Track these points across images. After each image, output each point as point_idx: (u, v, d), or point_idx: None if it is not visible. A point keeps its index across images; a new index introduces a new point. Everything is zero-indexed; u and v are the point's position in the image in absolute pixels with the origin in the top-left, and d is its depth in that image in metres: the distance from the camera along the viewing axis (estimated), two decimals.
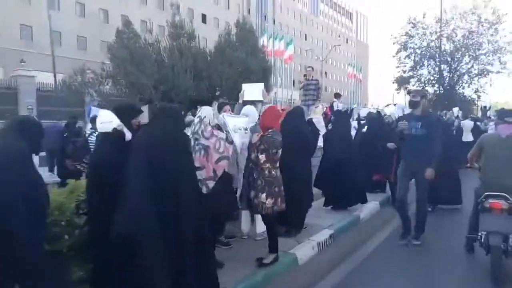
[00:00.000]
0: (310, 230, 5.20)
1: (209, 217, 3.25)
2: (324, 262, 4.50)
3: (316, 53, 56.11)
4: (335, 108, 10.54)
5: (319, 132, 5.60)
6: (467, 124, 13.30)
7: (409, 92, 4.61)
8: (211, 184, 3.74)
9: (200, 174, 3.76)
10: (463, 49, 25.04)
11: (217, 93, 19.64)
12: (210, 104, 11.40)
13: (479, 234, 4.09)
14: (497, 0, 24.54)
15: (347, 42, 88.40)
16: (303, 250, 4.50)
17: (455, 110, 16.91)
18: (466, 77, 25.93)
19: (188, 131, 3.92)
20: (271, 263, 3.88)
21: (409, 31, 25.88)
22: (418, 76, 26.56)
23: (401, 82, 27.46)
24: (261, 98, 4.79)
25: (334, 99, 10.64)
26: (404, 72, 26.79)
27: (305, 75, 8.58)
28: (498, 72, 24.87)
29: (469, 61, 25.55)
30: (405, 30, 25.96)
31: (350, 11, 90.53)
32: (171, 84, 16.09)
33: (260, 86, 4.96)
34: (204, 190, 3.73)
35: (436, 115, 4.76)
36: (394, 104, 13.88)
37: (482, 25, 24.50)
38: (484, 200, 4.06)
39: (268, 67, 19.38)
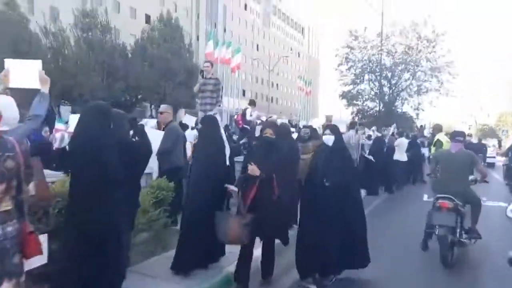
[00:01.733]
0: None
1: None
2: None
3: (267, 64, 54.95)
4: (248, 117, 8.78)
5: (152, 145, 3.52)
6: (403, 142, 12.08)
7: None
8: None
9: None
10: (403, 65, 24.69)
11: (139, 96, 17.40)
12: (128, 109, 8.84)
13: (434, 229, 4.97)
14: (437, 17, 24.43)
15: (298, 56, 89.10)
16: None
17: (392, 127, 16.02)
18: (405, 93, 25.61)
19: None
20: None
21: (350, 43, 25.17)
22: (360, 91, 25.85)
23: (350, 97, 26.42)
24: (37, 86, 2.74)
25: (248, 106, 8.86)
26: (346, 85, 25.98)
27: (201, 72, 6.68)
28: (436, 90, 24.78)
29: (409, 78, 25.29)
30: (347, 43, 25.22)
31: (302, 26, 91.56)
32: (72, 81, 13.61)
33: (35, 65, 2.88)
34: None
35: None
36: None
37: (421, 42, 24.37)
38: (435, 201, 5.10)
39: (194, 68, 17.44)
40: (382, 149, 10.60)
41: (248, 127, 8.24)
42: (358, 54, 25.10)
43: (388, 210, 9.13)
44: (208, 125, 4.24)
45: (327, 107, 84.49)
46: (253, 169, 3.68)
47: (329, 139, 4.01)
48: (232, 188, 3.80)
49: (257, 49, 70.76)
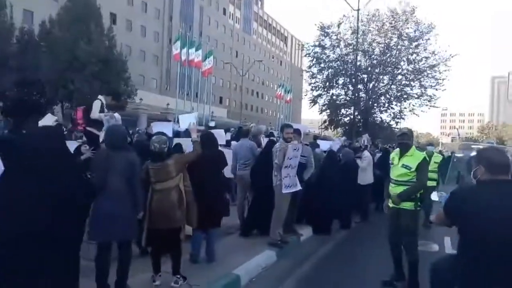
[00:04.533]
0: None
1: None
2: None
3: (245, 71, 51.60)
4: (94, 115, 5.30)
5: None
6: (367, 158, 8.57)
7: None
8: None
9: None
10: (381, 66, 21.44)
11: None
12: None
13: None
14: (421, 14, 21.30)
15: (281, 64, 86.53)
16: None
17: (364, 137, 12.73)
18: (383, 98, 22.27)
19: None
20: None
21: (321, 42, 21.88)
22: (332, 96, 22.51)
23: (334, 106, 22.69)
24: None
25: (99, 97, 5.38)
26: (317, 89, 22.61)
27: None
28: (419, 97, 21.68)
29: (388, 82, 22.05)
30: (318, 40, 21.93)
31: (285, 35, 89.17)
32: None
33: None
34: None
35: None
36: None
37: (402, 40, 21.22)
38: None
39: (114, 58, 13.85)
40: (335, 167, 7.23)
41: (97, 132, 4.73)
42: (331, 53, 21.78)
43: (342, 259, 5.78)
44: None
45: (310, 115, 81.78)
46: None
47: None
48: None
49: (236, 56, 67.62)
